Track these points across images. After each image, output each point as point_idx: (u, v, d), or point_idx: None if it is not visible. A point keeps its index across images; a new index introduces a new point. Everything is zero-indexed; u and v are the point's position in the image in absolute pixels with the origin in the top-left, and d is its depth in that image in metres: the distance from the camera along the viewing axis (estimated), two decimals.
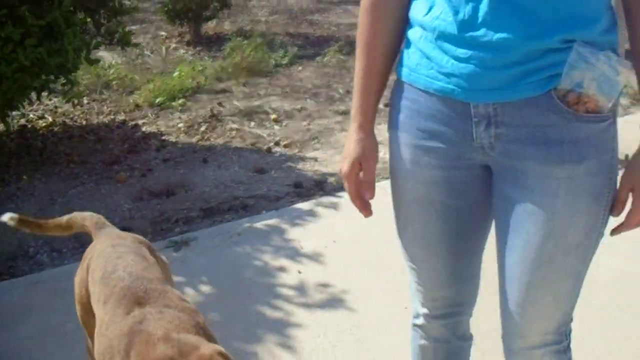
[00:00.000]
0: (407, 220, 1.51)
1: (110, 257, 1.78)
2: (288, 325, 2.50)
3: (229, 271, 2.82)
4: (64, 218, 2.05)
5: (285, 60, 5.88)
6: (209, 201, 3.49)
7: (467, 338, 1.72)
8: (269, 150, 4.16)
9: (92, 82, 5.16)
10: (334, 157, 4.02)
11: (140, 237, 1.98)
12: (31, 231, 2.08)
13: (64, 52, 3.48)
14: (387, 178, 1.56)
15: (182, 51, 6.29)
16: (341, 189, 3.60)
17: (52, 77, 3.63)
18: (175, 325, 1.51)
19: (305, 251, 2.97)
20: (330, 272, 2.81)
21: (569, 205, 1.29)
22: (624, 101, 4.70)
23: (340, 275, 2.79)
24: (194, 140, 4.30)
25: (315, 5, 8.24)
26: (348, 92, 5.10)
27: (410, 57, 1.36)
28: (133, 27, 6.42)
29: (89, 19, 4.18)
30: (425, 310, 1.63)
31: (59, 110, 4.77)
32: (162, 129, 4.47)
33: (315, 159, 4.03)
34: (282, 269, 2.84)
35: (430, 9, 1.29)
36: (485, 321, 1.87)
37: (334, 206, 3.38)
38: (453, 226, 1.47)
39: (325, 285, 2.73)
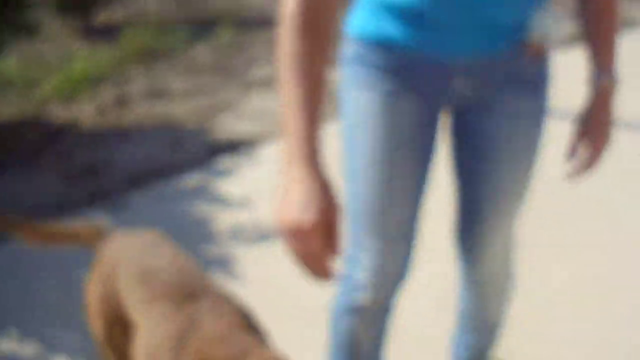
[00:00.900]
0: (381, 175, 1.49)
1: (144, 254, 1.58)
2: (229, 259, 2.83)
3: (169, 223, 3.11)
4: (57, 226, 1.77)
5: (180, 44, 6.10)
6: (134, 173, 3.74)
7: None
8: (180, 125, 4.42)
9: None
10: (243, 124, 4.34)
11: (154, 231, 1.77)
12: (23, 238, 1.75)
13: None
14: None
15: (77, 43, 6.37)
16: (254, 148, 3.96)
17: None
18: (229, 322, 1.39)
19: (234, 199, 3.30)
20: (261, 213, 3.16)
21: (531, 135, 1.52)
22: None
23: (269, 215, 3.14)
24: (106, 123, 4.50)
25: None
26: (248, 65, 5.42)
27: (376, 18, 1.41)
28: None
29: None
30: (374, 279, 1.60)
31: None
32: (75, 117, 4.63)
33: (226, 128, 4.34)
34: (217, 214, 3.17)
35: None
36: None
37: (252, 162, 3.73)
38: (424, 172, 1.55)
39: (257, 224, 3.07)
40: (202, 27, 6.84)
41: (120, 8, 7.45)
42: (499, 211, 1.62)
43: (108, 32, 6.55)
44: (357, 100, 1.47)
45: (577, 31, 1.83)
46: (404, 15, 1.39)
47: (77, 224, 1.75)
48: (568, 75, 2.93)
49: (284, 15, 1.22)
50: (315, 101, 1.20)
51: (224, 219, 3.12)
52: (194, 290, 1.46)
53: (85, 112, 4.74)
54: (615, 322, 2.44)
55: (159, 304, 1.45)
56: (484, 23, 1.38)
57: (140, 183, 3.62)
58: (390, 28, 1.41)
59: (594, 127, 1.53)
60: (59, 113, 4.72)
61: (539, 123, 1.53)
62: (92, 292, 1.61)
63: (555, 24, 1.47)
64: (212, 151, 3.95)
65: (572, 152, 1.57)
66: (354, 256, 1.60)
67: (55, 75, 5.27)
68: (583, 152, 1.56)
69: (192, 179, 3.53)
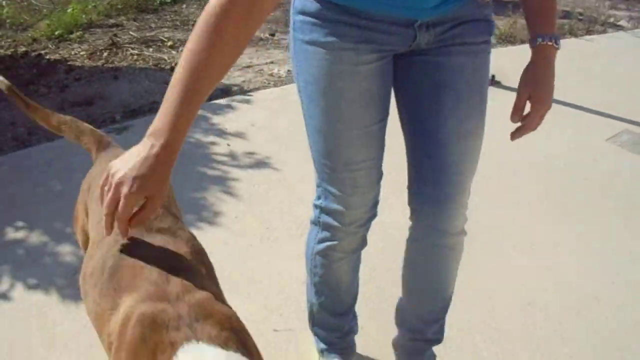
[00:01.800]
0: (346, 121, 1.56)
1: None
2: (227, 180, 2.98)
3: None
4: (56, 115, 1.80)
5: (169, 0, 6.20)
6: (130, 106, 3.84)
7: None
8: (172, 68, 4.53)
9: None
10: (233, 72, 4.47)
11: None
12: (18, 105, 1.82)
13: None
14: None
15: None
16: (247, 91, 4.10)
17: None
18: (172, 257, 1.32)
19: (230, 131, 3.45)
20: (254, 144, 3.32)
21: (485, 68, 1.58)
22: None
23: (262, 146, 3.30)
24: (99, 64, 4.58)
25: None
26: None
27: None
28: None
29: None
30: (342, 226, 1.71)
31: None
32: (66, 56, 4.71)
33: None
34: (213, 143, 3.31)
35: None
36: None
37: (246, 102, 3.87)
38: (384, 116, 1.60)
39: (251, 153, 3.22)
40: None
41: None
42: (464, 153, 1.61)
43: None
44: (314, 55, 1.50)
45: None
46: None
47: (86, 124, 1.77)
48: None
49: None
50: (198, 98, 1.20)
51: (219, 148, 3.26)
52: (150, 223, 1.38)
53: (76, 51, 4.82)
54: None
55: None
56: None
57: (137, 114, 3.73)
58: None
59: (537, 88, 1.56)
60: (51, 53, 4.79)
61: (488, 59, 1.61)
62: (78, 205, 1.64)
63: None
64: None
65: (517, 114, 1.58)
66: (325, 190, 1.68)
67: (47, 20, 5.32)
68: (527, 114, 1.58)
69: None
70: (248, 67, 4.68)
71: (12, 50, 4.81)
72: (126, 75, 4.35)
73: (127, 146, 1.34)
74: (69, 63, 4.56)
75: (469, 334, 2.14)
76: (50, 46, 4.91)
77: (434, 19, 1.50)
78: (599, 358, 2.05)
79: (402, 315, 1.98)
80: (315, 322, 2.00)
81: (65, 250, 2.46)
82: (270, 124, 3.57)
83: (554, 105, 1.57)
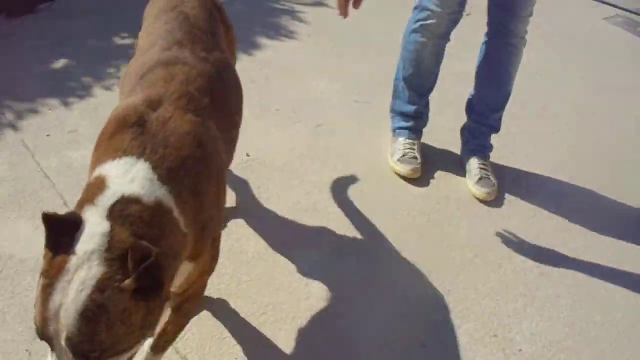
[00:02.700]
0: None
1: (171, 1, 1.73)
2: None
3: None
4: None
5: None
6: None
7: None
8: None
9: None
10: None
11: None
12: None
13: None
14: None
15: None
16: None
17: None
18: (193, 81, 1.45)
19: None
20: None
21: None
22: None
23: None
24: None
25: None
26: None
27: None
28: None
29: None
30: (437, 9, 2.33)
31: None
32: None
33: None
34: None
35: None
36: None
37: None
38: None
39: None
40: None
41: None
42: None
43: None
44: None
45: None
46: None
47: None
48: None
49: None
50: None
51: None
52: (190, 41, 1.56)
53: None
54: None
55: (154, 37, 1.60)
56: None
57: None
58: None
59: None
60: None
61: None
62: (143, 17, 1.86)
63: None
64: None
65: None
66: None
67: None
68: None
69: None
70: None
71: None
72: None
73: None
74: None
75: None
76: None
77: None
78: None
79: (472, 105, 2.66)
80: (395, 101, 2.66)
81: None
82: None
83: None
